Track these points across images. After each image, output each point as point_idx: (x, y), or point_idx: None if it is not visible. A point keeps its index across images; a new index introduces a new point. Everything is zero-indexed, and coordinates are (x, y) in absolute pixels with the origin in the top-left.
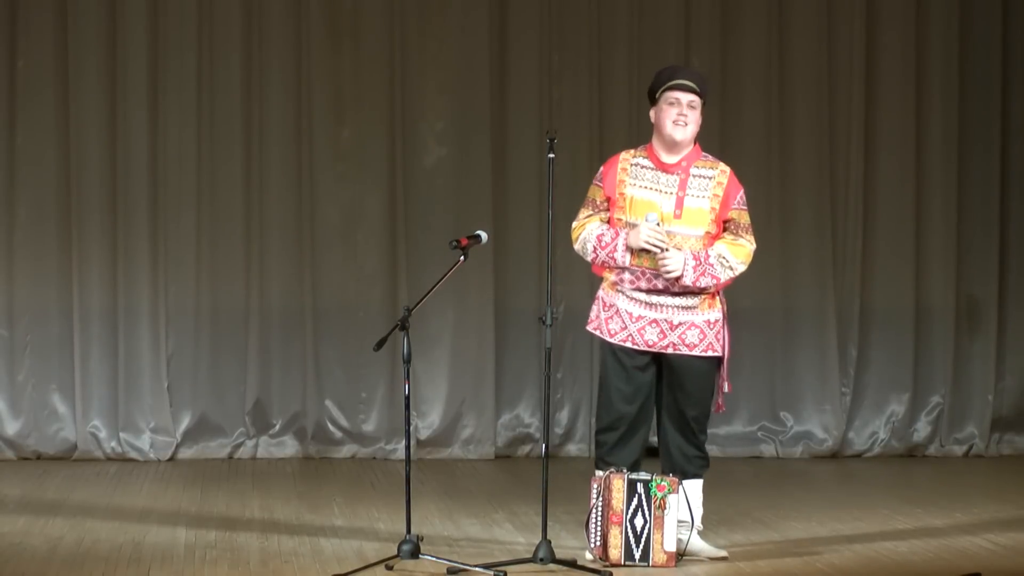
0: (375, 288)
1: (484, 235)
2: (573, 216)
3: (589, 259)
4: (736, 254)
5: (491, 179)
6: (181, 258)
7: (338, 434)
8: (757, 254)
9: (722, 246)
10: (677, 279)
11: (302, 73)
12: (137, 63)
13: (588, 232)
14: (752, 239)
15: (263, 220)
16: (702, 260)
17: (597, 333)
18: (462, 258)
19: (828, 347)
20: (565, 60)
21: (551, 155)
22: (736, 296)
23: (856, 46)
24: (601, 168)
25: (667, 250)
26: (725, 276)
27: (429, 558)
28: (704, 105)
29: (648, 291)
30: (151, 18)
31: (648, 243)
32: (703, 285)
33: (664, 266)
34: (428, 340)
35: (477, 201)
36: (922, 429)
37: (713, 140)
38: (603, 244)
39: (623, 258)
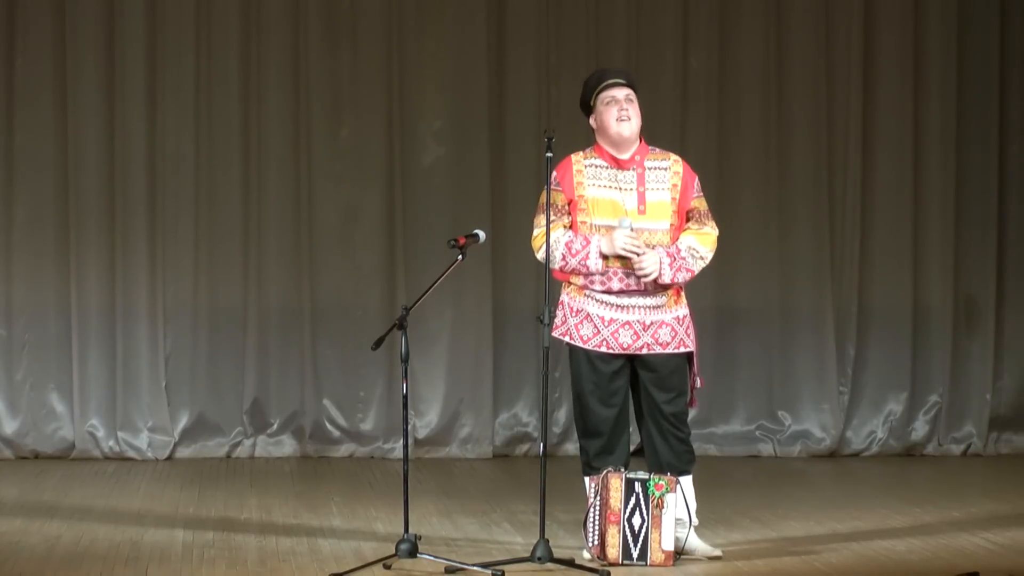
0: (373, 287)
1: (482, 234)
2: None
3: (557, 266)
4: (704, 243)
5: (489, 178)
6: (179, 258)
7: (336, 433)
8: (755, 253)
9: (690, 238)
10: (654, 279)
11: (300, 73)
12: (135, 63)
13: (554, 239)
14: (714, 225)
15: (261, 220)
16: (675, 256)
17: (567, 339)
18: (460, 257)
19: (826, 347)
20: (563, 60)
21: (549, 154)
22: (734, 296)
23: (854, 47)
24: (554, 173)
25: (642, 253)
26: (698, 267)
27: (427, 557)
28: (638, 99)
29: (619, 292)
30: (149, 18)
31: (625, 250)
32: (680, 280)
33: (641, 269)
34: (426, 339)
35: (475, 200)
36: (920, 428)
37: (711, 140)
38: (573, 251)
39: (596, 263)
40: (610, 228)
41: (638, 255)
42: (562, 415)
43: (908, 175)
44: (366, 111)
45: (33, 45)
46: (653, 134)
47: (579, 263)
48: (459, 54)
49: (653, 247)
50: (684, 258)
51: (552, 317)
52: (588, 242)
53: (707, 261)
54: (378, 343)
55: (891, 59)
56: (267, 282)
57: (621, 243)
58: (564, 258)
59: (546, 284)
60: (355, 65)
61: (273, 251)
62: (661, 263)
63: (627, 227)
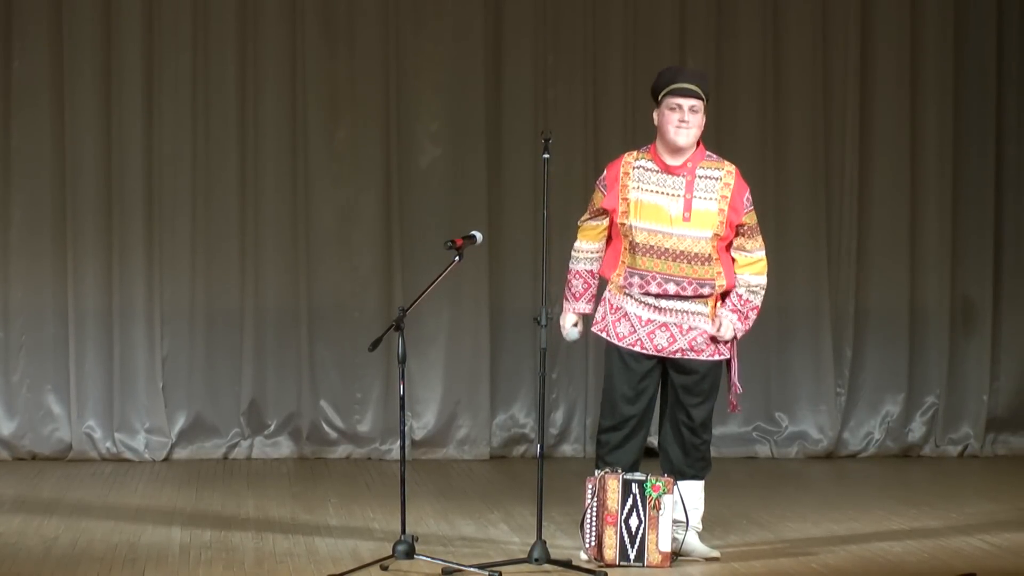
0: (370, 288)
1: (479, 235)
2: (573, 214)
3: (567, 272)
4: (759, 272)
5: (486, 180)
6: (176, 259)
7: (333, 434)
8: None
9: (746, 275)
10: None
11: (297, 74)
12: (132, 64)
13: (578, 256)
14: (762, 242)
15: (258, 221)
16: (739, 307)
17: (604, 336)
18: (457, 258)
19: (823, 348)
20: (560, 61)
21: (546, 155)
22: None
23: (851, 48)
24: (605, 171)
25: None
26: (760, 299)
27: (424, 558)
28: (708, 104)
29: (658, 295)
30: (146, 19)
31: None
32: (752, 319)
33: (722, 338)
34: (423, 340)
35: (472, 201)
36: (917, 429)
37: (709, 141)
38: (571, 286)
39: (564, 320)
40: (653, 232)
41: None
42: (559, 416)
43: (905, 177)
44: (363, 112)
45: (30, 47)
46: (650, 135)
47: (565, 292)
48: (456, 55)
49: (708, 291)
50: (748, 300)
51: (549, 318)
52: (577, 300)
53: (765, 287)
54: (375, 344)
55: (888, 61)
56: (264, 283)
57: (569, 336)
58: (569, 276)
59: (543, 286)
60: (352, 66)
61: (270, 252)
62: (733, 326)
63: (573, 338)
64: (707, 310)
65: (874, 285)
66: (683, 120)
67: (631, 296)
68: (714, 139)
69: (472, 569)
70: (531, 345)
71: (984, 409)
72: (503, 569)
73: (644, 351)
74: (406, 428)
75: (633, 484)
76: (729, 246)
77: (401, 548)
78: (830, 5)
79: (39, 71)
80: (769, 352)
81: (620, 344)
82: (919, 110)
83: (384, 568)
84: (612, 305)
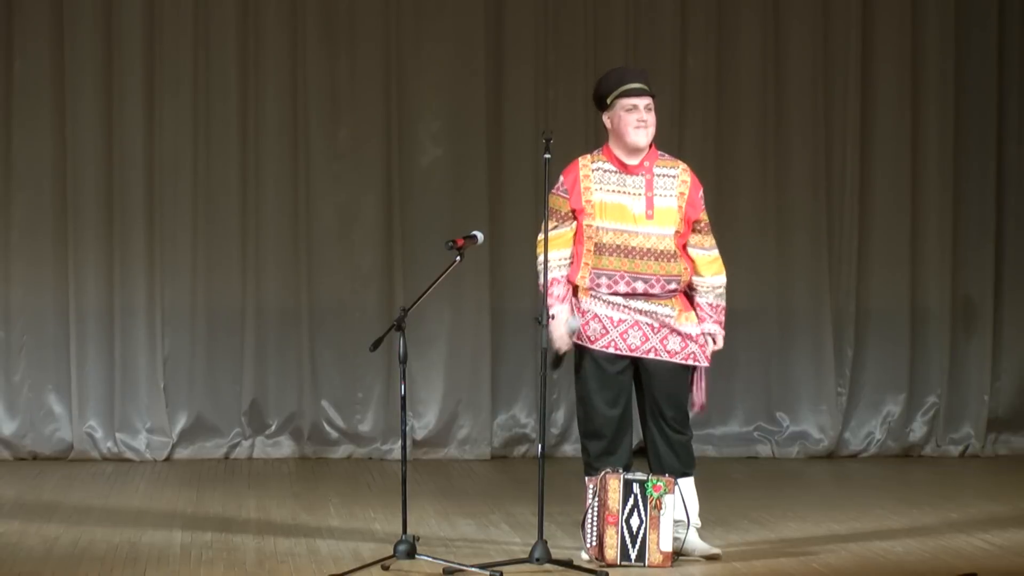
0: (371, 288)
1: (480, 235)
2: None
3: (539, 282)
4: (719, 271)
5: (487, 179)
6: (177, 259)
7: (334, 434)
8: (753, 254)
9: (708, 279)
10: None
11: (298, 73)
12: (133, 64)
13: (552, 264)
14: (713, 239)
15: (259, 220)
16: (718, 316)
17: (576, 340)
18: (458, 258)
19: (824, 347)
20: (561, 60)
21: (547, 155)
22: (732, 297)
23: (852, 48)
24: (561, 177)
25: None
26: (725, 298)
27: (425, 558)
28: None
29: (626, 295)
30: (147, 19)
31: (558, 346)
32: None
33: (718, 349)
34: (424, 340)
35: (473, 201)
36: (918, 429)
37: (709, 140)
38: (550, 293)
39: (548, 318)
40: (619, 232)
41: (557, 357)
42: (560, 416)
43: (906, 176)
44: (364, 112)
45: (31, 46)
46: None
47: (545, 299)
48: (457, 55)
49: (694, 293)
50: (719, 305)
51: (550, 318)
52: (562, 301)
53: (725, 283)
54: (376, 344)
55: (889, 61)
56: (265, 283)
57: (561, 341)
58: (541, 286)
59: (544, 286)
60: (353, 66)
61: (271, 252)
62: (721, 335)
63: (575, 326)
64: (674, 312)
65: (875, 285)
66: (641, 120)
67: (599, 298)
68: (714, 137)
69: (473, 569)
70: (532, 345)
71: (985, 409)
72: (504, 569)
73: (618, 352)
74: (407, 428)
75: (634, 484)
76: (686, 244)
77: (402, 548)
78: (831, 5)
79: (40, 71)
80: (770, 352)
81: (593, 347)
82: (920, 110)
83: (385, 568)
84: (580, 309)
